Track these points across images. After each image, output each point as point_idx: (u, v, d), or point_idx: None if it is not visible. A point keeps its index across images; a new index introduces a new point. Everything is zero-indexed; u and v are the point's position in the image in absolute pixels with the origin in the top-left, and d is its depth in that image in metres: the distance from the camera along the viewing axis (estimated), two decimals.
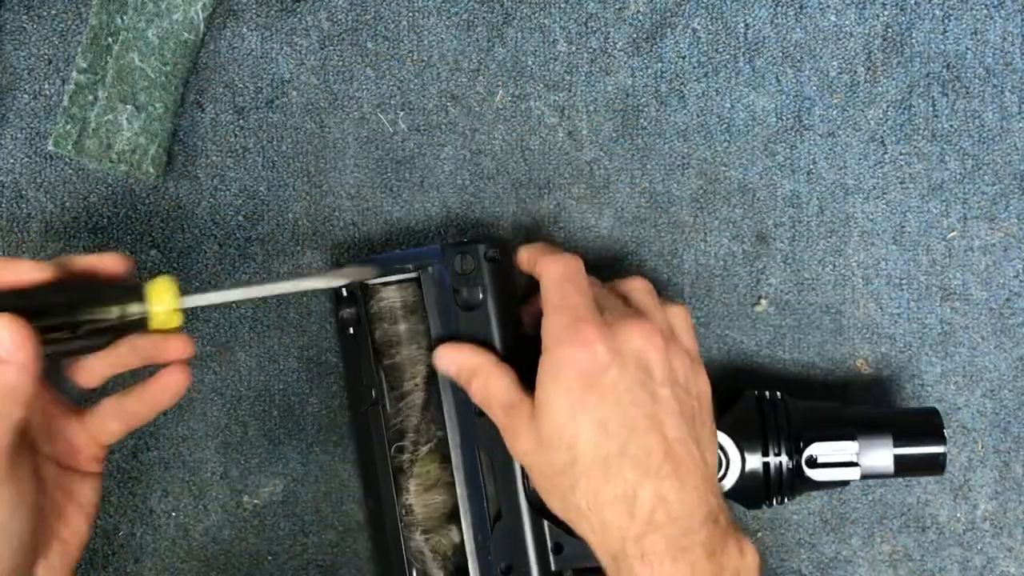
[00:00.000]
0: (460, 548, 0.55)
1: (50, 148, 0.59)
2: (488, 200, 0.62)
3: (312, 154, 0.62)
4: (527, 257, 0.55)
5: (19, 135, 0.61)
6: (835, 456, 0.53)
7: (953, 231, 0.62)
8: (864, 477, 0.54)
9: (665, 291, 0.62)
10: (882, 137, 0.61)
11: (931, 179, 0.61)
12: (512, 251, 0.56)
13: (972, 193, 0.61)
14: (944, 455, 0.54)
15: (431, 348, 0.55)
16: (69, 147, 0.59)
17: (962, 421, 0.61)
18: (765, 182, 0.62)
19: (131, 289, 0.48)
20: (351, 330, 0.57)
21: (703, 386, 0.51)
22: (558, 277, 0.50)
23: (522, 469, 0.53)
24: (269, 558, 0.63)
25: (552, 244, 0.59)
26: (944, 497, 0.61)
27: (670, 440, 0.47)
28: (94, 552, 0.63)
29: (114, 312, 0.48)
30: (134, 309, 0.48)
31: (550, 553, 0.54)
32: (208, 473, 0.63)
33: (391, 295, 0.56)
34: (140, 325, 0.48)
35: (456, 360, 0.53)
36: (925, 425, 0.54)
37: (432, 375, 0.56)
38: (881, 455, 0.53)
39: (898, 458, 0.53)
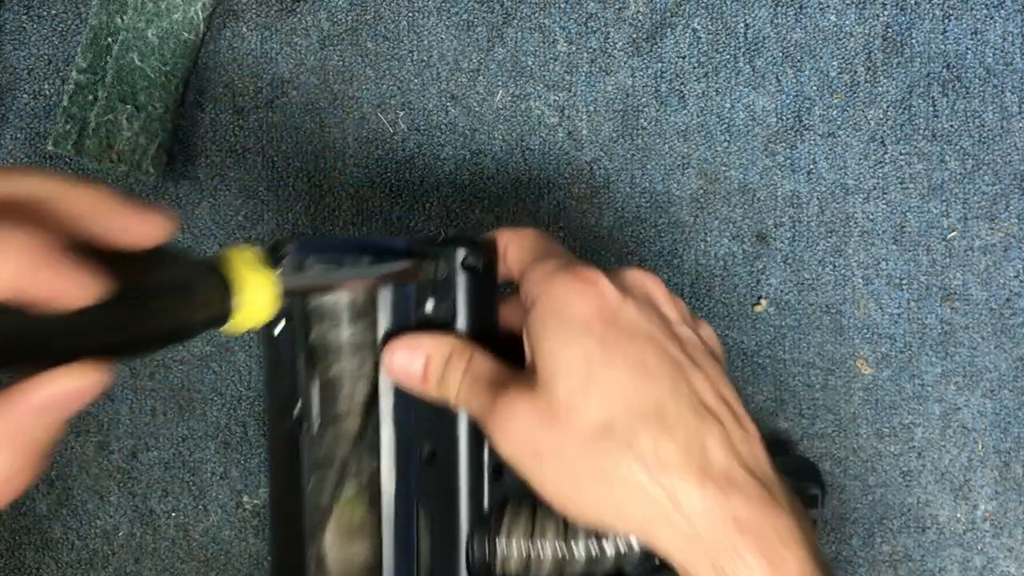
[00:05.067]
0: None
1: (50, 148, 0.59)
2: (488, 200, 0.62)
3: (312, 154, 0.62)
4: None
5: (19, 135, 0.61)
6: None
7: (953, 231, 0.62)
8: None
9: None
10: (882, 137, 0.61)
11: (931, 179, 0.61)
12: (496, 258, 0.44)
13: (972, 193, 0.61)
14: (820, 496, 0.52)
15: (377, 366, 0.43)
16: (69, 147, 0.59)
17: (962, 421, 0.61)
18: (765, 182, 0.61)
19: (204, 272, 0.33)
20: (277, 328, 0.44)
21: (710, 333, 0.42)
22: (533, 239, 0.43)
23: (469, 534, 0.42)
24: (268, 558, 0.63)
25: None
26: (944, 497, 0.61)
27: (713, 379, 0.38)
28: (94, 552, 0.63)
29: (181, 313, 0.32)
30: (214, 298, 0.33)
31: None
32: (208, 473, 0.62)
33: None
34: (217, 320, 0.34)
35: (420, 345, 0.41)
36: (805, 471, 0.53)
37: (374, 398, 0.44)
38: None
39: None
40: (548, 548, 0.42)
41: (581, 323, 0.37)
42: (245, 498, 0.62)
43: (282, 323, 0.44)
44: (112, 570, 0.62)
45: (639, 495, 0.36)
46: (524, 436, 0.37)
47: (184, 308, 0.32)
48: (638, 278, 0.40)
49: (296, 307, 0.44)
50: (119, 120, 0.59)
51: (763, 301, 0.62)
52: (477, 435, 0.42)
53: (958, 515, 0.61)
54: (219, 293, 0.33)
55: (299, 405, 0.44)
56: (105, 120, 0.59)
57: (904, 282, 0.61)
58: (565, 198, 0.62)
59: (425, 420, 0.43)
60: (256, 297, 0.34)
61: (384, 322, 0.43)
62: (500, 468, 0.42)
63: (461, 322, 0.42)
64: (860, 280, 0.61)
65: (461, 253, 0.42)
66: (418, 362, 0.41)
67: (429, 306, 0.43)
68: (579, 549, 0.41)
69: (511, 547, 0.42)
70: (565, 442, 0.36)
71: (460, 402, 0.41)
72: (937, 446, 0.61)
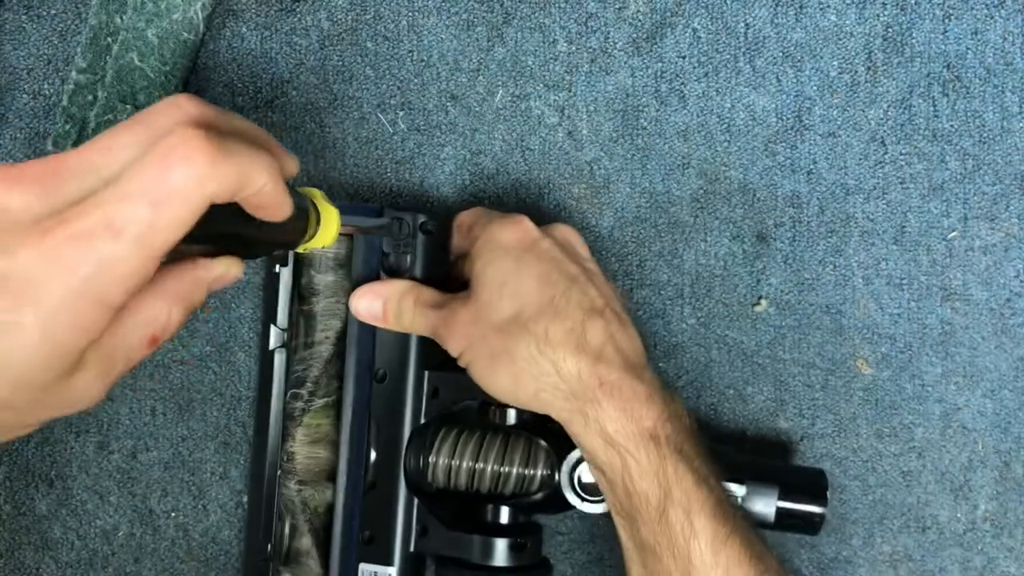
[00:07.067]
0: (330, 507, 0.56)
1: (49, 148, 0.59)
2: (488, 200, 0.62)
3: (312, 154, 0.62)
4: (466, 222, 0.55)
5: (18, 135, 0.61)
6: None
7: (954, 231, 0.61)
8: None
9: (665, 291, 0.62)
10: (883, 137, 0.61)
11: (932, 179, 0.61)
12: (448, 232, 0.56)
13: (973, 193, 0.61)
14: (823, 516, 0.54)
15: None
16: (68, 147, 0.59)
17: (962, 421, 0.61)
18: (765, 182, 0.61)
19: (307, 202, 0.44)
20: (278, 268, 0.58)
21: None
22: (482, 210, 0.54)
23: (408, 443, 0.54)
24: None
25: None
26: (944, 497, 0.61)
27: (605, 295, 0.50)
28: (94, 552, 0.63)
29: (298, 231, 0.43)
30: (300, 226, 0.43)
31: (414, 533, 0.55)
32: (208, 473, 0.62)
33: None
34: (307, 238, 0.44)
35: (380, 292, 0.53)
36: (812, 485, 0.55)
37: (344, 332, 0.56)
38: (765, 504, 0.54)
39: (780, 510, 0.54)
40: (464, 465, 0.55)
41: (504, 248, 0.50)
42: (245, 498, 0.62)
43: (285, 267, 0.58)
44: (112, 570, 0.62)
45: (533, 368, 0.47)
46: (463, 330, 0.49)
47: (300, 227, 0.43)
48: (562, 229, 0.53)
49: (294, 255, 0.57)
50: (119, 120, 0.59)
51: (763, 301, 0.62)
52: (421, 361, 0.54)
53: (958, 515, 0.61)
54: (314, 219, 0.44)
55: (286, 332, 0.58)
56: (105, 120, 0.59)
57: (904, 282, 0.61)
58: (565, 198, 0.62)
59: (382, 349, 0.55)
60: (331, 226, 0.45)
61: (356, 270, 0.55)
62: (436, 389, 0.55)
63: (416, 270, 0.55)
64: (860, 280, 0.61)
65: (421, 218, 0.55)
66: (378, 304, 0.53)
67: (392, 258, 0.55)
68: (489, 468, 0.54)
69: (438, 462, 0.55)
70: (487, 330, 0.48)
71: (414, 327, 0.52)
72: (937, 446, 0.61)
